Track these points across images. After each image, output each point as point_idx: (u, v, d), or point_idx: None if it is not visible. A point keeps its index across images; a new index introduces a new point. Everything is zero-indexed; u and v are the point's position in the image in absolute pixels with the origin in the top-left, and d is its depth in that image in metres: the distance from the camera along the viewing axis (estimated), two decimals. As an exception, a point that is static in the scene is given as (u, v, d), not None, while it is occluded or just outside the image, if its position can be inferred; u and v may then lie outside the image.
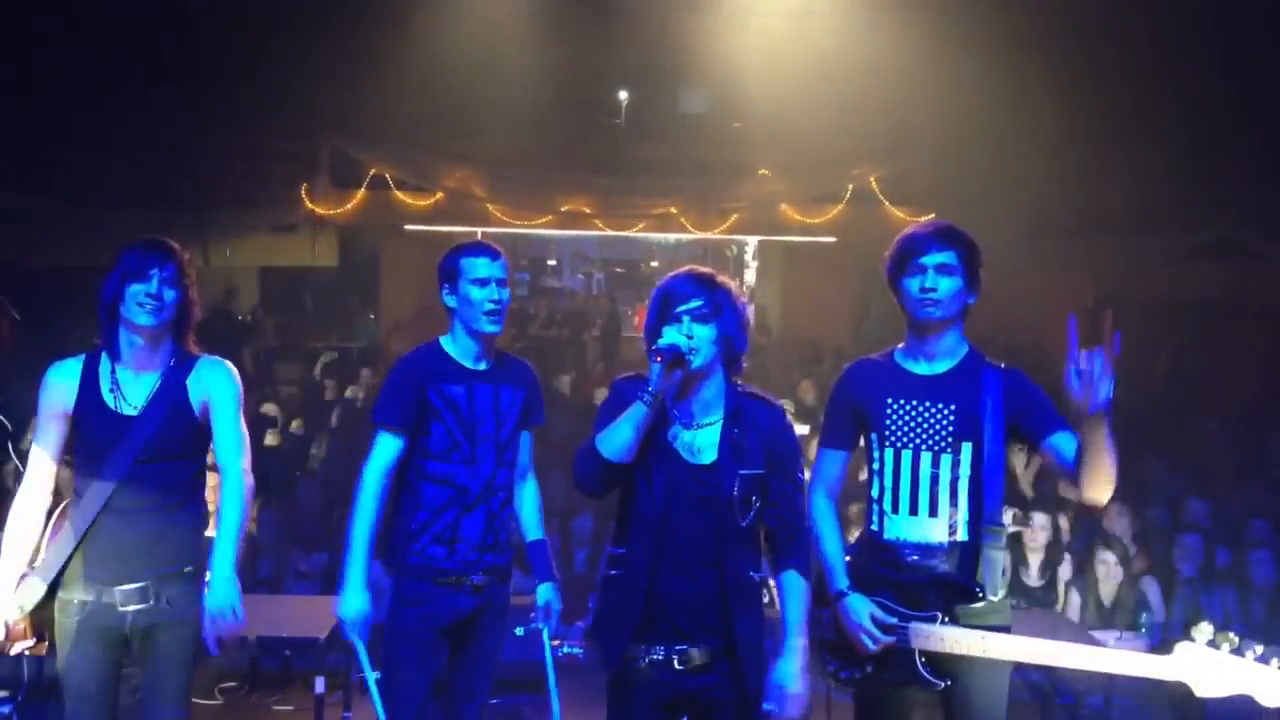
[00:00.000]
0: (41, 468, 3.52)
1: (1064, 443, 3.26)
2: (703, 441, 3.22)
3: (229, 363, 3.67)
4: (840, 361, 14.34)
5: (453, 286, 3.76)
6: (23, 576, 3.48)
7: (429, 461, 3.74)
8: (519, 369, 3.96)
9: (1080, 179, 14.13)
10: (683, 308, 3.16)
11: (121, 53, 12.17)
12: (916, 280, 3.32)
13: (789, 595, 3.25)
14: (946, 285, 3.30)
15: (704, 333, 3.15)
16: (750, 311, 3.35)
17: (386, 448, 3.73)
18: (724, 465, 3.19)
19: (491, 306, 3.72)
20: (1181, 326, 14.37)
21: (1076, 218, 14.62)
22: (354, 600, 3.65)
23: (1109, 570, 6.34)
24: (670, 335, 3.11)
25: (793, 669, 3.17)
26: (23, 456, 5.00)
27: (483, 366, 3.82)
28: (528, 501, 4.04)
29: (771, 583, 3.37)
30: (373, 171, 14.55)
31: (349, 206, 14.56)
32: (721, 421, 3.23)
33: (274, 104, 14.36)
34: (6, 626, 3.45)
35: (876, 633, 3.30)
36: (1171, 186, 13.99)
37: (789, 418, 3.39)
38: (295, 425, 10.25)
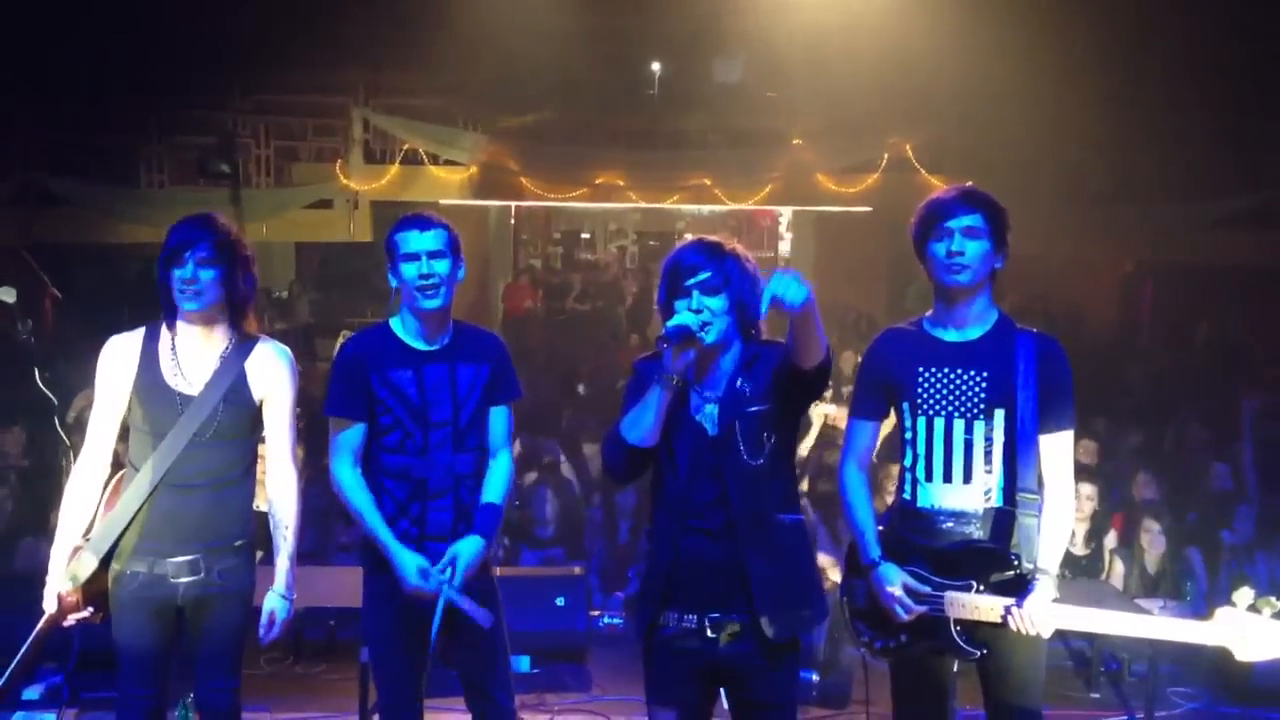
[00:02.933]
0: (99, 441, 3.55)
1: (1049, 445, 3.31)
2: None
3: (288, 351, 3.67)
4: (876, 331, 14.20)
5: (392, 265, 3.60)
6: (77, 548, 3.52)
7: (384, 455, 3.59)
8: (481, 343, 3.73)
9: (1118, 145, 13.96)
10: (691, 281, 3.13)
11: (156, 36, 12.23)
12: (943, 245, 3.30)
13: None
14: (973, 249, 3.27)
15: (715, 304, 3.13)
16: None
17: (343, 438, 3.59)
18: (724, 415, 3.18)
19: (423, 282, 3.51)
20: (1220, 293, 14.19)
21: (1115, 184, 14.45)
22: (408, 568, 3.46)
23: (1153, 539, 6.30)
24: (679, 316, 3.09)
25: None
26: (68, 430, 5.08)
27: (434, 346, 3.62)
28: (496, 473, 3.73)
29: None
30: (406, 146, 14.56)
31: (383, 181, 14.57)
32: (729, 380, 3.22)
33: (307, 81, 14.41)
34: (60, 598, 3.49)
35: (909, 602, 3.30)
36: (1209, 152, 13.78)
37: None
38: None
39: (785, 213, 19.86)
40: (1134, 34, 12.45)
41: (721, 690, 3.38)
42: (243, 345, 3.57)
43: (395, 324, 3.66)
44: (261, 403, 3.59)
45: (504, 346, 3.80)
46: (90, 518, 3.55)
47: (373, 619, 3.65)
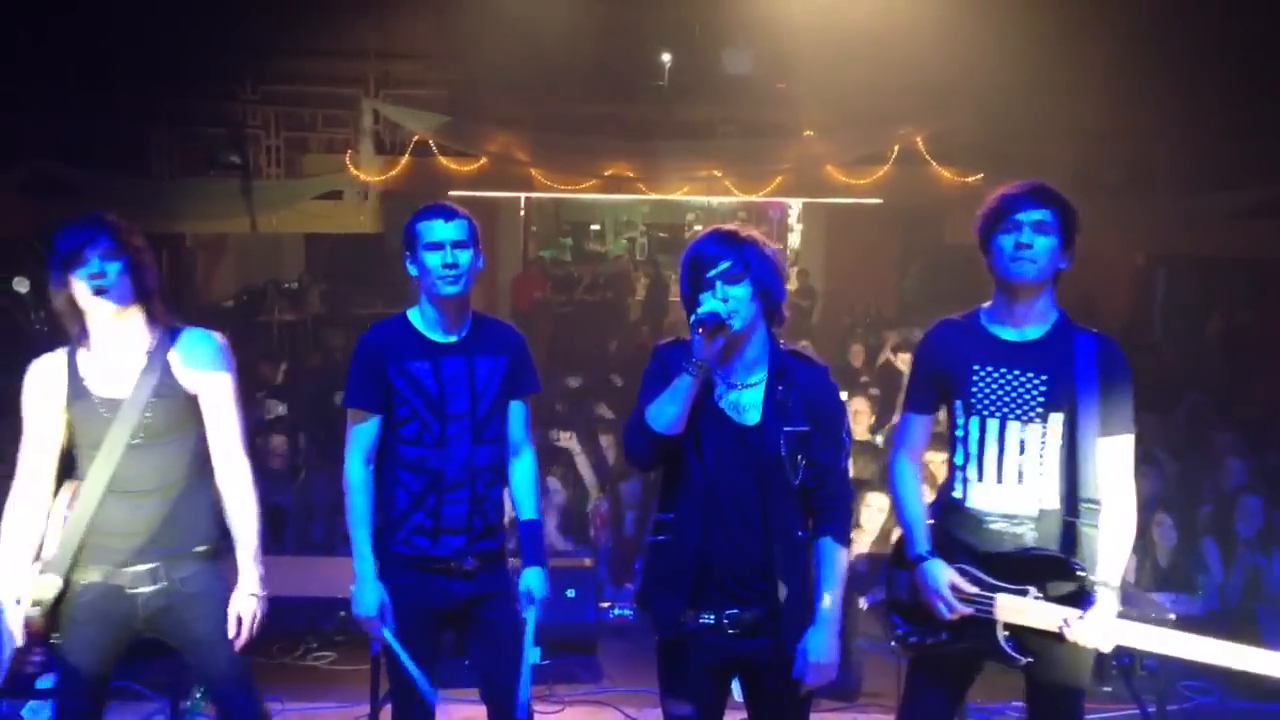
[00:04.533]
0: (38, 464, 3.37)
1: (1108, 450, 3.24)
2: (748, 401, 3.20)
3: (215, 336, 3.51)
4: (885, 323, 14.29)
5: (412, 254, 3.56)
6: (39, 573, 3.35)
7: (401, 446, 3.57)
8: (499, 335, 3.70)
9: (1130, 137, 13.90)
10: (713, 272, 3.11)
11: (166, 26, 12.24)
12: (1011, 237, 3.24)
13: (823, 563, 3.21)
14: (1042, 244, 3.22)
15: (739, 293, 3.11)
16: (789, 270, 3.30)
17: (358, 432, 3.58)
18: (768, 425, 3.16)
19: (446, 271, 3.49)
20: (1234, 285, 14.14)
21: (1126, 176, 14.38)
22: (368, 596, 3.52)
23: (1164, 532, 6.28)
24: (708, 304, 3.07)
25: (822, 638, 3.15)
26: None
27: (452, 338, 3.59)
28: (522, 477, 3.77)
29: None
30: (416, 138, 14.55)
31: (393, 173, 14.56)
32: (765, 380, 3.20)
33: (317, 72, 14.40)
34: (28, 624, 3.33)
35: (954, 601, 3.26)
36: (1223, 143, 13.72)
37: (832, 378, 3.34)
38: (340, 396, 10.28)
39: (795, 204, 19.80)
40: (1146, 25, 12.39)
41: (735, 681, 3.37)
42: (165, 337, 3.41)
43: (413, 315, 3.63)
44: (196, 395, 3.44)
45: (523, 339, 3.77)
46: (37, 542, 3.37)
47: (386, 610, 3.62)
